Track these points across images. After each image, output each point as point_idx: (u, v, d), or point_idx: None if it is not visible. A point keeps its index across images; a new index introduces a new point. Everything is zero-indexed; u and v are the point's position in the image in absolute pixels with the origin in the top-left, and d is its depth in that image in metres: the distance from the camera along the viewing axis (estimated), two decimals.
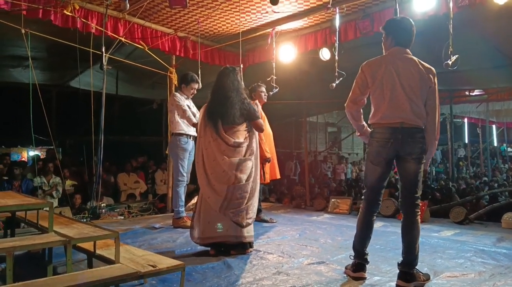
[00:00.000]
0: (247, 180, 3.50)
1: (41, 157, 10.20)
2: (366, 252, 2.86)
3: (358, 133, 3.00)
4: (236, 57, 6.09)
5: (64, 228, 2.73)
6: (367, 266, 2.87)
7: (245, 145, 3.55)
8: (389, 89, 2.71)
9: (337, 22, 5.07)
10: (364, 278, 2.80)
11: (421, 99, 2.71)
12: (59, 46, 5.43)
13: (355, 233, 2.88)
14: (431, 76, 2.73)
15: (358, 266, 2.84)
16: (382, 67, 2.75)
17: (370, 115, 2.82)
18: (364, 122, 2.94)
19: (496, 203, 6.82)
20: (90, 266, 2.82)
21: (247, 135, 3.60)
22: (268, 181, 5.11)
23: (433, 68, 2.77)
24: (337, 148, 17.63)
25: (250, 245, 3.55)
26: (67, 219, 3.21)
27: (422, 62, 2.77)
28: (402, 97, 2.69)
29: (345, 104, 2.89)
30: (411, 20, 2.87)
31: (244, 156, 3.53)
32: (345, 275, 2.89)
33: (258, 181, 3.65)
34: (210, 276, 2.91)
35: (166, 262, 2.46)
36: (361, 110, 2.91)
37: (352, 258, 2.91)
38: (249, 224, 3.51)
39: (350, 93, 2.87)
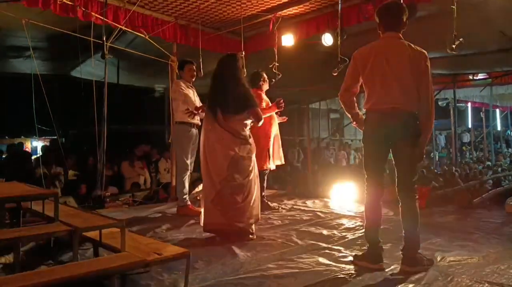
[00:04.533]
0: (244, 179, 3.47)
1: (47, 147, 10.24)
2: (380, 240, 2.80)
3: (354, 123, 3.00)
4: (237, 44, 6.05)
5: (69, 217, 2.74)
6: (382, 254, 2.78)
7: (244, 135, 3.53)
8: (380, 76, 2.72)
9: (339, 7, 5.02)
10: (383, 269, 2.71)
11: (412, 84, 2.70)
12: (60, 36, 5.40)
13: (365, 223, 2.85)
14: (422, 60, 2.71)
15: (377, 256, 2.75)
16: (372, 54, 2.75)
17: (364, 102, 2.84)
18: (358, 110, 2.95)
19: (500, 187, 6.82)
20: (96, 254, 2.85)
21: (247, 127, 3.57)
22: (274, 167, 5.09)
23: (424, 51, 2.74)
24: (339, 134, 17.59)
25: (247, 232, 3.52)
26: (73, 209, 3.23)
27: (413, 46, 2.74)
28: (392, 84, 2.69)
29: (338, 93, 2.91)
30: (400, 3, 2.83)
31: (241, 148, 3.47)
32: (350, 260, 2.90)
33: (255, 181, 3.61)
34: (215, 262, 2.93)
35: (172, 250, 2.48)
36: (355, 98, 2.92)
37: (365, 248, 2.83)
38: (250, 225, 3.52)
39: (343, 82, 2.89)
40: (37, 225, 2.83)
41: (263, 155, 4.75)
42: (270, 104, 4.98)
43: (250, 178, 3.54)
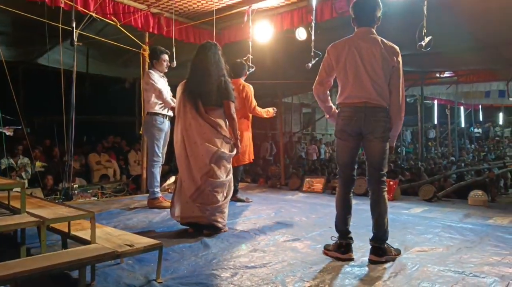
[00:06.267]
0: (226, 177, 3.44)
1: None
2: (350, 231, 2.87)
3: (327, 116, 3.06)
4: (211, 35, 5.98)
5: (37, 208, 2.67)
6: (352, 245, 2.84)
7: (226, 131, 3.47)
8: (352, 71, 2.77)
9: (313, 1, 5.05)
10: (352, 259, 2.77)
11: (383, 79, 2.76)
12: (26, 21, 5.19)
13: (336, 214, 2.90)
14: (394, 56, 2.77)
15: (347, 247, 2.81)
16: (345, 49, 2.80)
17: (337, 96, 2.89)
18: (331, 104, 3.01)
19: (463, 181, 7.12)
20: (65, 247, 2.78)
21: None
22: (251, 161, 5.15)
23: (396, 47, 2.81)
24: (311, 128, 17.80)
25: (222, 229, 3.50)
26: (40, 200, 3.14)
27: (386, 41, 2.80)
28: (364, 78, 2.74)
29: (312, 87, 2.95)
30: None
31: (223, 145, 3.42)
32: (322, 252, 2.95)
33: (232, 180, 3.59)
34: (187, 254, 2.92)
35: (143, 241, 2.45)
36: (328, 92, 2.97)
37: (335, 239, 2.88)
38: (224, 226, 3.51)
39: (317, 76, 2.93)
40: (2, 217, 2.73)
41: (244, 150, 4.81)
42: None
43: (230, 176, 3.51)
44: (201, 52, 3.51)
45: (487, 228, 3.64)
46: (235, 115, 3.51)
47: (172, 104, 4.43)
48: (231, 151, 3.50)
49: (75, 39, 4.68)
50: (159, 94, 4.48)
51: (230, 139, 3.50)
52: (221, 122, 3.45)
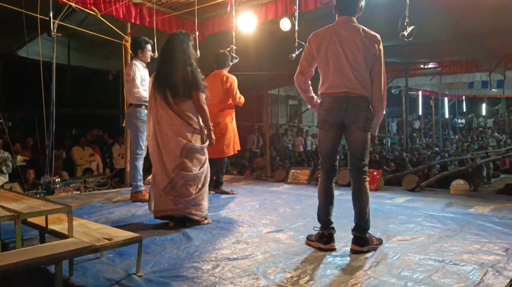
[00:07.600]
0: (199, 169, 3.38)
1: None
2: (332, 221, 2.87)
3: (309, 106, 3.05)
4: (194, 25, 5.90)
5: (12, 203, 2.61)
6: (334, 235, 2.84)
7: (198, 122, 3.41)
8: (333, 60, 2.75)
9: None
10: (334, 249, 2.77)
11: (365, 68, 2.75)
12: (3, 12, 5.05)
13: (318, 204, 2.90)
14: (375, 44, 2.76)
15: (329, 237, 2.80)
16: (326, 37, 2.78)
17: (319, 86, 2.87)
18: (313, 94, 2.99)
19: (446, 171, 7.21)
20: (42, 242, 2.73)
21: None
22: (236, 152, 5.12)
23: (377, 35, 2.79)
24: (297, 120, 17.82)
25: (198, 221, 3.45)
26: (16, 194, 3.06)
27: (367, 30, 2.79)
28: (346, 67, 2.73)
29: (294, 77, 2.93)
30: None
31: (194, 137, 3.36)
32: (304, 243, 2.95)
33: (208, 172, 3.54)
34: (169, 247, 2.89)
35: (123, 235, 2.41)
36: (309, 82, 2.95)
37: (318, 229, 2.88)
38: (203, 218, 3.47)
39: (299, 65, 2.91)
40: None
41: (229, 141, 4.78)
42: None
43: (204, 168, 3.46)
44: (169, 42, 3.46)
45: (468, 217, 3.68)
46: (205, 107, 3.43)
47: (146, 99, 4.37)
48: (204, 142, 3.45)
49: (52, 29, 4.56)
50: (140, 97, 4.42)
51: (201, 131, 3.44)
52: (192, 114, 3.38)
